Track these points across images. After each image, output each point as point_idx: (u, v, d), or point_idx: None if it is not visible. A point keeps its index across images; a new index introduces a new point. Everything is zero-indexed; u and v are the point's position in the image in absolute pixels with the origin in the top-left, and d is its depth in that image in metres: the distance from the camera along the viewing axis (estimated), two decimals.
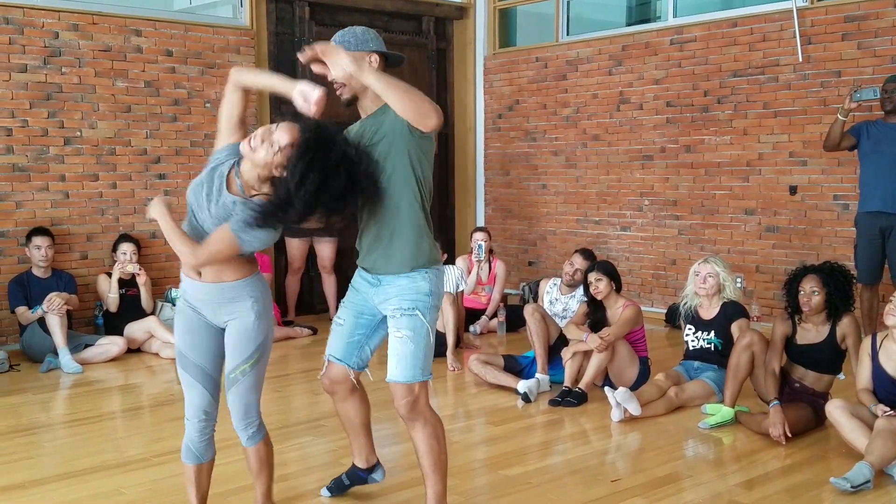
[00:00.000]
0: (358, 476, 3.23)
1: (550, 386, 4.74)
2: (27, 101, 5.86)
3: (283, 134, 2.51)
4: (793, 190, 6.14)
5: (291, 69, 7.20)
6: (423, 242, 2.76)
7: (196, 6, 7.33)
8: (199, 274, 2.68)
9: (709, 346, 4.46)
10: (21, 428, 4.21)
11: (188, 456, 2.78)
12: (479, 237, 6.39)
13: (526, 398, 4.55)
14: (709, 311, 4.49)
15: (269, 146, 2.50)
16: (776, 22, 6.16)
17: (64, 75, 5.99)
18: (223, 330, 2.72)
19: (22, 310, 5.52)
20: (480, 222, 8.20)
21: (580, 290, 5.02)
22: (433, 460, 2.80)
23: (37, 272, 5.67)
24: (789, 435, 3.79)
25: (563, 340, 4.81)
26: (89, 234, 6.17)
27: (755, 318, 5.61)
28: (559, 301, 5.34)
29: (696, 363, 4.50)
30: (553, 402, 4.48)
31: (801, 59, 6.01)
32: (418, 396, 2.76)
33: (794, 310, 4.03)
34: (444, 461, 2.83)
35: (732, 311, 4.41)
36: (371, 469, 3.23)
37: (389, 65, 2.86)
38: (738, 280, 5.95)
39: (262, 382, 2.78)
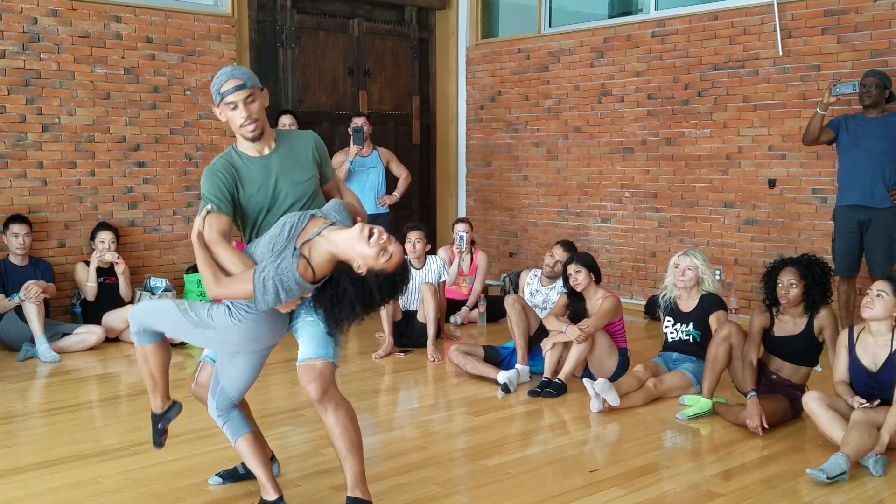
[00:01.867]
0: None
1: (530, 377, 4.77)
2: (5, 87, 5.78)
3: (397, 250, 2.53)
4: (771, 183, 6.19)
5: (273, 56, 7.15)
6: None
7: None
8: None
9: (687, 337, 4.50)
10: None
11: (243, 427, 2.96)
12: (460, 228, 6.40)
13: (506, 389, 4.57)
14: (687, 304, 4.52)
15: (385, 253, 2.50)
16: (757, 16, 6.19)
17: (42, 61, 5.91)
18: None
19: None
20: (462, 213, 8.21)
21: (560, 282, 5.04)
22: (349, 437, 2.75)
23: (14, 260, 5.60)
24: (766, 426, 3.83)
25: (543, 331, 4.83)
26: (67, 221, 6.10)
27: (733, 311, 5.66)
28: (540, 292, 5.36)
29: (675, 354, 4.54)
30: (532, 393, 4.50)
31: (780, 53, 6.05)
32: (328, 380, 2.72)
33: (771, 302, 4.07)
34: (358, 436, 2.78)
35: (711, 303, 4.45)
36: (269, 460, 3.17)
37: None
38: (717, 272, 6.00)
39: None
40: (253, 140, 2.82)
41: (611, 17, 7.59)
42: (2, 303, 5.44)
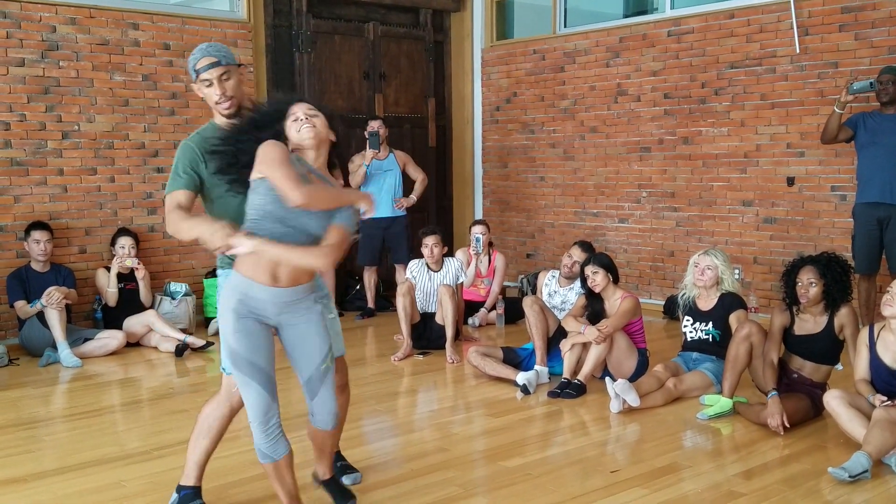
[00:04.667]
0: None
1: (549, 378, 4.76)
2: (25, 95, 5.85)
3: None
4: (790, 181, 6.14)
5: (289, 61, 7.19)
6: None
7: None
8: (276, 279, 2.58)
9: (707, 337, 4.48)
10: (21, 422, 4.23)
11: (262, 456, 2.66)
12: (477, 230, 6.40)
13: (525, 390, 4.57)
14: (707, 303, 4.50)
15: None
16: (773, 13, 6.15)
17: (61, 69, 5.98)
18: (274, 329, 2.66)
19: (21, 304, 5.52)
20: (479, 215, 8.21)
21: (578, 283, 5.03)
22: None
23: (36, 266, 5.66)
24: (787, 425, 3.80)
25: (561, 332, 4.83)
26: (88, 228, 6.16)
27: (753, 309, 5.61)
28: (558, 293, 5.35)
29: (695, 354, 4.52)
30: (552, 394, 4.50)
31: (798, 51, 6.01)
32: (346, 370, 2.92)
33: (791, 301, 4.05)
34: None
35: (730, 302, 4.43)
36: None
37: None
38: (737, 271, 5.96)
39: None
40: (228, 117, 2.81)
41: (626, 16, 7.56)
42: (24, 309, 5.51)
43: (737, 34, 6.36)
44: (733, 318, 4.35)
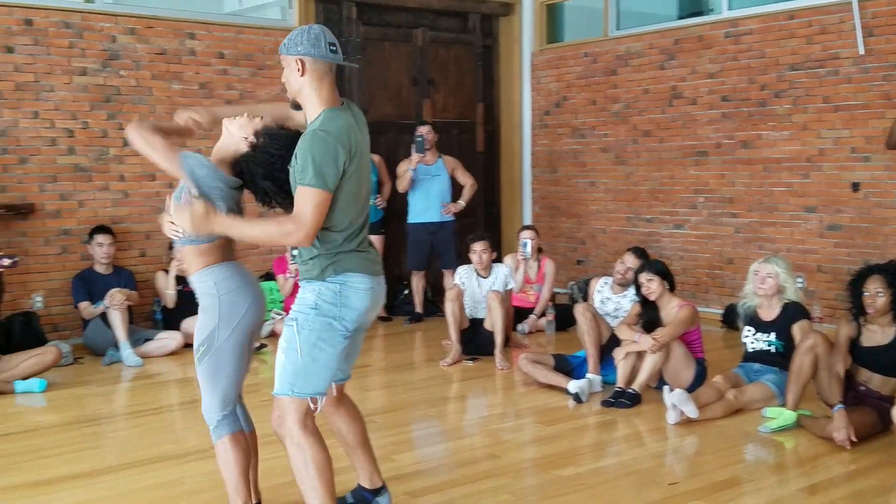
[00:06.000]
0: (363, 497, 3.00)
1: (602, 386, 4.68)
2: (87, 103, 6.01)
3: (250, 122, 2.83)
4: (855, 187, 5.94)
5: (338, 68, 7.21)
6: (318, 256, 2.60)
7: (246, 8, 7.43)
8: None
9: (769, 347, 4.35)
10: (85, 418, 4.34)
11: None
12: (525, 235, 6.35)
13: (577, 398, 4.50)
14: (769, 312, 4.37)
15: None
16: (835, 14, 5.97)
17: (122, 78, 6.13)
18: None
19: (85, 305, 5.68)
20: (527, 220, 8.14)
21: (632, 290, 4.94)
22: (300, 484, 2.60)
23: (99, 269, 5.81)
24: (854, 439, 3.67)
25: (614, 340, 4.74)
26: (148, 232, 6.30)
27: (817, 320, 5.46)
28: (611, 300, 5.26)
29: (756, 365, 4.39)
30: (606, 403, 4.42)
31: (862, 52, 5.81)
32: (285, 413, 2.58)
33: (858, 311, 3.91)
34: (313, 489, 2.57)
35: (794, 312, 4.29)
36: (376, 492, 2.99)
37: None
38: (800, 280, 5.79)
39: (214, 379, 2.75)
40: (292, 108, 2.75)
41: (680, 17, 7.43)
42: (88, 310, 5.67)
43: (797, 35, 6.19)
44: (797, 329, 4.22)
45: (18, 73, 5.75)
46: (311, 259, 2.60)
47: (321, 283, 2.58)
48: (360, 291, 2.61)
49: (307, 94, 2.61)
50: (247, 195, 2.85)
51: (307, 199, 2.44)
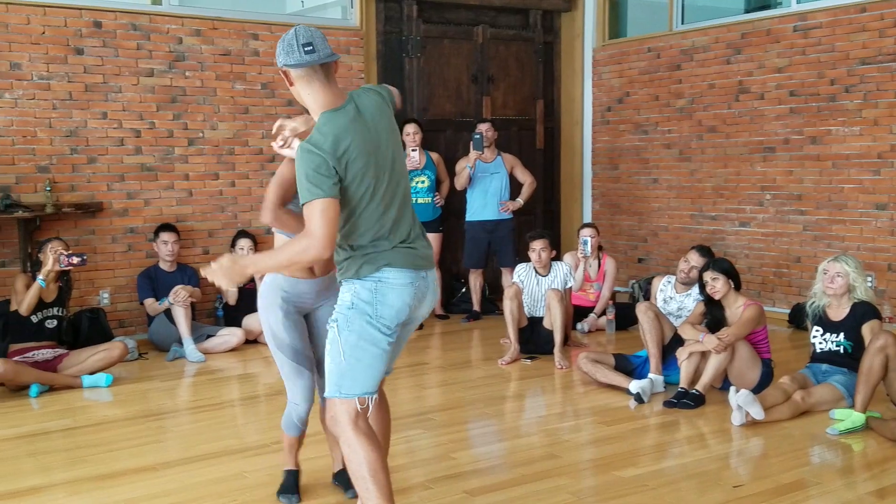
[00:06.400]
0: (346, 479, 2.96)
1: (665, 387, 4.59)
2: (154, 104, 6.18)
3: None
4: None
5: (398, 66, 7.28)
6: (351, 257, 2.58)
7: (308, 8, 7.53)
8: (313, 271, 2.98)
9: (838, 348, 4.20)
10: (150, 413, 4.45)
11: (293, 429, 3.18)
12: (585, 233, 6.28)
13: (639, 398, 4.42)
14: (838, 312, 4.23)
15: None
16: None
17: (187, 79, 6.28)
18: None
19: (150, 301, 5.83)
20: (587, 218, 8.05)
21: (696, 289, 4.84)
22: (355, 483, 2.58)
23: (163, 266, 5.97)
24: None
25: (677, 340, 4.65)
26: (210, 230, 6.44)
27: (888, 320, 5.26)
28: (674, 300, 5.16)
29: (825, 366, 4.25)
30: (668, 404, 4.33)
31: None
32: (336, 415, 2.58)
33: None
34: (367, 489, 2.52)
35: (863, 311, 4.14)
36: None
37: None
38: (870, 279, 5.58)
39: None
40: None
41: (747, 11, 7.25)
42: (153, 306, 5.82)
43: (868, 29, 5.97)
44: (867, 329, 4.07)
45: (88, 74, 5.95)
46: (345, 260, 2.60)
47: (359, 281, 2.55)
48: (398, 287, 2.55)
49: (305, 101, 2.57)
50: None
51: (310, 212, 2.42)
